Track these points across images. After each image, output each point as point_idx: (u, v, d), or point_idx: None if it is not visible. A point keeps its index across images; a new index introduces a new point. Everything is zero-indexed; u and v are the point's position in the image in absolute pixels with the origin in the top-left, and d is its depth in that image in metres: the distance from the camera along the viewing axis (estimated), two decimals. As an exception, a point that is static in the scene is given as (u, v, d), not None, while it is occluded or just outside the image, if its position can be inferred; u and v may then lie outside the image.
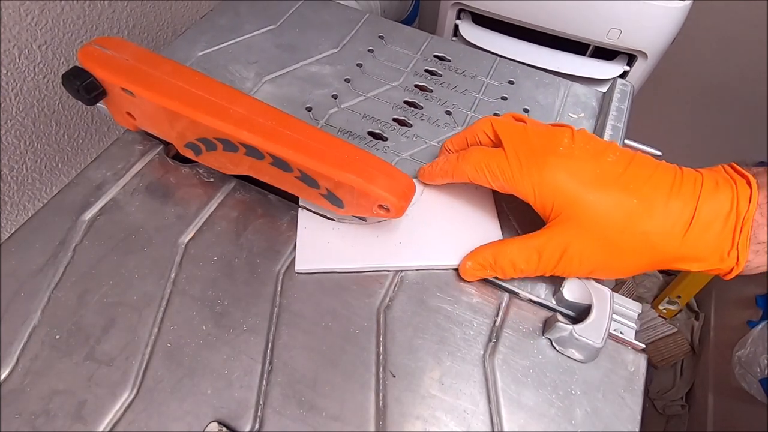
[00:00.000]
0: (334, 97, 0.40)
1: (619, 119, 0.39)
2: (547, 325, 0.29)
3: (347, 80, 0.41)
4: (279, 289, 0.30)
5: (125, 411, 0.25)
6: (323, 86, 0.40)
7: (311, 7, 0.47)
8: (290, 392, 0.26)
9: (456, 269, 0.31)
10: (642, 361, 0.29)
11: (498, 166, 0.29)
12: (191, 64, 0.40)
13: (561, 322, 0.28)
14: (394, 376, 0.27)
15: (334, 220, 0.32)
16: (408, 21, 0.83)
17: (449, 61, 0.44)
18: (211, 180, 0.34)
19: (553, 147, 0.28)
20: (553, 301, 0.30)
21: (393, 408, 0.26)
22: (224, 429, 0.25)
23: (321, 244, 0.31)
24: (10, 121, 0.41)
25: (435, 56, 0.44)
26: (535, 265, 0.28)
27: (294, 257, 0.31)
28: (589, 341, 0.27)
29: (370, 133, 0.38)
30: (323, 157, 0.28)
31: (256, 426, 0.25)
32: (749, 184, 0.25)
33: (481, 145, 0.32)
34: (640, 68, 0.55)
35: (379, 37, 0.45)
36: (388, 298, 0.30)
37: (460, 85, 0.42)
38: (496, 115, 0.40)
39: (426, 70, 0.43)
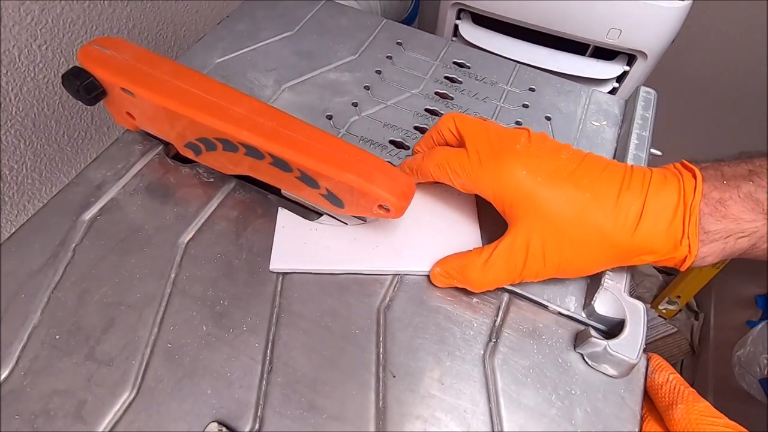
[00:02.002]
0: (354, 104, 0.40)
1: (644, 128, 0.38)
2: (578, 340, 0.29)
3: (367, 87, 0.41)
4: (279, 289, 0.30)
5: (125, 411, 0.25)
6: (343, 94, 0.40)
7: (328, 13, 0.47)
8: (290, 392, 0.26)
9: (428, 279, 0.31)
10: (642, 361, 0.29)
11: (459, 164, 0.29)
12: (209, 72, 0.40)
13: (594, 337, 0.27)
14: (394, 376, 0.27)
15: (313, 221, 0.32)
16: (408, 21, 0.83)
17: (469, 67, 0.44)
18: (211, 180, 0.34)
19: (511, 145, 0.29)
20: (583, 315, 0.30)
21: (393, 408, 0.26)
22: (224, 429, 0.25)
23: (298, 245, 0.31)
24: (10, 121, 0.41)
25: (454, 63, 0.44)
26: (504, 272, 0.28)
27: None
28: (625, 357, 0.26)
29: (392, 142, 0.38)
30: (323, 157, 0.28)
31: (256, 426, 0.25)
32: (695, 176, 0.27)
33: (447, 143, 0.32)
34: (639, 68, 0.55)
35: (398, 43, 0.45)
36: (388, 298, 0.30)
37: (481, 92, 0.42)
38: (518, 123, 0.40)
39: (446, 77, 0.43)
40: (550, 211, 0.27)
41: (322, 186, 0.29)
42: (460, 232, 0.33)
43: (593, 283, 0.31)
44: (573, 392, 0.27)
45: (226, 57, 0.41)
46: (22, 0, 0.39)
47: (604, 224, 0.26)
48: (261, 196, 0.34)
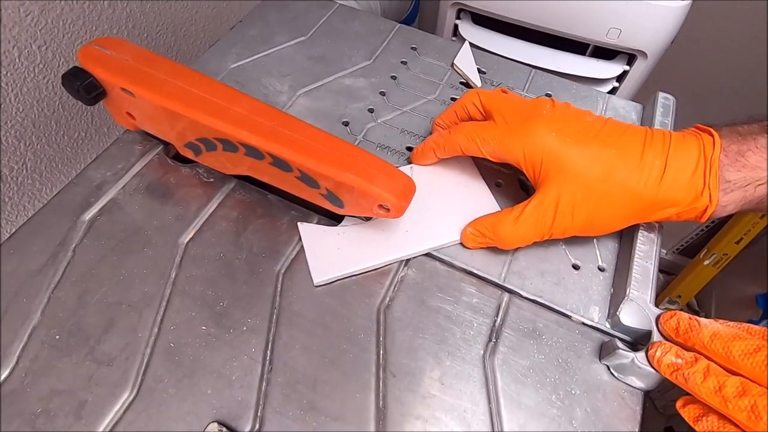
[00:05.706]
0: (371, 111, 0.40)
1: None
2: (604, 351, 0.28)
3: (382, 93, 0.41)
4: (279, 289, 0.30)
5: (125, 411, 0.25)
6: (359, 100, 0.40)
7: (341, 17, 0.46)
8: (290, 392, 0.26)
9: (461, 243, 0.32)
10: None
11: (489, 133, 0.31)
12: (223, 77, 0.40)
13: (621, 349, 0.27)
14: (395, 376, 0.27)
15: (337, 226, 0.32)
16: (408, 21, 0.83)
17: (484, 73, 0.44)
18: (211, 180, 0.34)
19: (538, 111, 0.30)
20: (608, 325, 0.30)
21: (393, 408, 0.26)
22: (224, 429, 0.25)
23: (331, 252, 0.31)
24: (10, 121, 0.41)
25: None
26: (534, 228, 0.30)
27: (294, 257, 0.31)
28: (653, 370, 0.26)
29: (409, 149, 0.38)
30: (323, 157, 0.28)
31: (257, 426, 0.25)
32: (712, 135, 0.28)
33: (471, 119, 0.34)
34: (639, 68, 0.55)
35: (412, 48, 0.45)
36: (388, 298, 0.30)
37: None
38: None
39: (461, 83, 0.43)
40: (579, 169, 0.28)
41: (322, 186, 0.29)
42: (475, 199, 0.34)
43: (617, 293, 0.30)
44: (573, 392, 0.27)
45: (240, 62, 0.41)
46: (22, 0, 0.39)
47: (629, 179, 0.28)
48: (261, 196, 0.34)
